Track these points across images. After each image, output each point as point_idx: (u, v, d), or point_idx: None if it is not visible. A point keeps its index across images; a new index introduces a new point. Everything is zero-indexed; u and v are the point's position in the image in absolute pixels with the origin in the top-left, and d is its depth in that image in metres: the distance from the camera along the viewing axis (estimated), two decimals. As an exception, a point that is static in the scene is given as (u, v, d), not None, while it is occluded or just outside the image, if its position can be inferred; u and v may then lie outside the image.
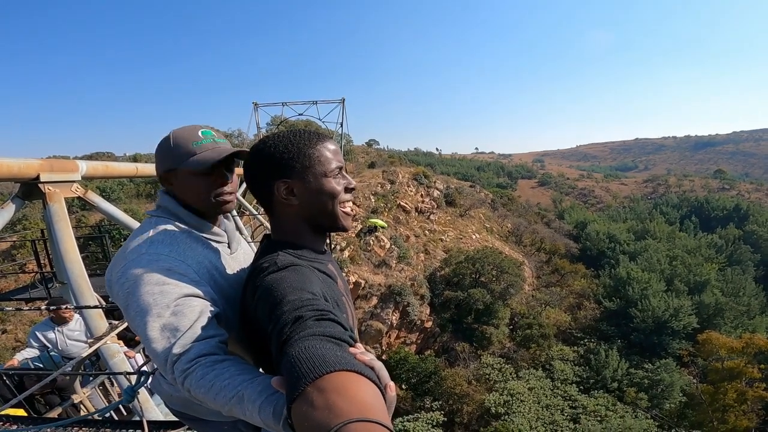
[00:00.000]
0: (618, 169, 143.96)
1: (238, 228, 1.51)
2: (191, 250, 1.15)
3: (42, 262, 6.55)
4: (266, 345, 0.85)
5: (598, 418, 16.81)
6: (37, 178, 3.43)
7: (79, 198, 3.88)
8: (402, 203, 30.62)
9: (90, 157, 46.57)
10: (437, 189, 36.50)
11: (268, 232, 1.24)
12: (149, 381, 2.23)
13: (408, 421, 16.47)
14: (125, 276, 1.04)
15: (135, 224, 4.65)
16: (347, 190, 1.13)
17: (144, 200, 32.55)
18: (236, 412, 0.83)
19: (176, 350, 0.93)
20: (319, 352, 0.67)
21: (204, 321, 0.98)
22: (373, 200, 29.40)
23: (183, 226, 1.21)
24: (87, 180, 4.17)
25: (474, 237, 29.84)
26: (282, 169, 1.06)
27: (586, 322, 24.17)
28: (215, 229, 1.28)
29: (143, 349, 4.66)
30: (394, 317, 19.20)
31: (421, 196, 34.08)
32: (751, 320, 25.69)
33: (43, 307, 4.79)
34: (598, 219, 44.10)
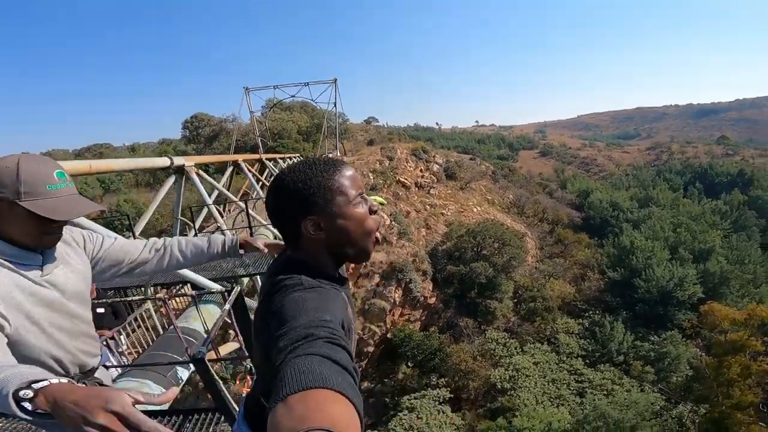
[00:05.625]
0: (620, 137, 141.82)
1: (75, 241, 1.49)
2: None
3: None
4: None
5: (605, 392, 16.70)
6: None
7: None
8: (401, 179, 30.07)
9: (88, 150, 45.88)
10: (437, 163, 35.86)
11: (278, 240, 1.30)
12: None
13: (415, 398, 16.43)
14: None
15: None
16: (371, 212, 1.15)
17: (144, 189, 32.03)
18: None
19: None
20: (318, 368, 0.69)
21: None
22: (371, 177, 28.80)
23: None
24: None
25: (475, 210, 29.40)
26: (306, 206, 1.08)
27: (591, 293, 23.96)
28: (27, 254, 1.29)
29: None
30: (396, 294, 18.91)
31: (421, 171, 33.48)
32: (757, 289, 25.25)
33: None
34: (601, 187, 43.51)
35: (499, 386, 16.77)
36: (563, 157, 65.96)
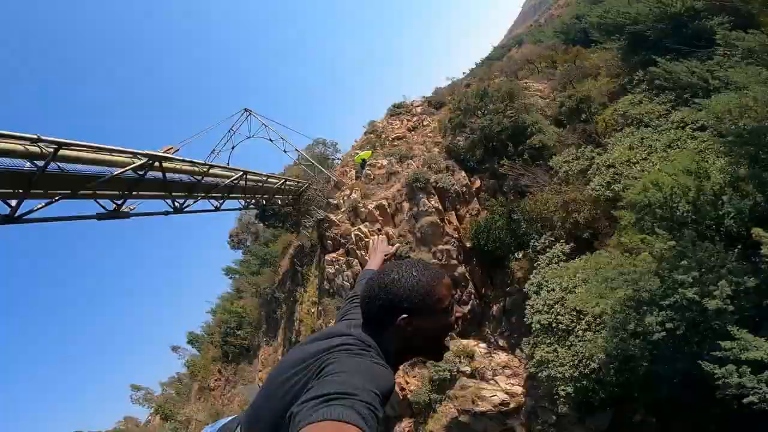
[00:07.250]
0: None
1: None
2: None
3: None
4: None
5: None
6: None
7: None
8: (394, 136, 28.53)
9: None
10: (417, 107, 34.01)
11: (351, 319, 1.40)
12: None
13: (536, 273, 13.62)
14: None
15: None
16: (457, 320, 1.34)
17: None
18: None
19: None
20: (356, 418, 0.81)
21: None
22: (360, 152, 27.43)
23: None
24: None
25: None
26: (408, 305, 1.21)
27: (631, 62, 19.28)
28: None
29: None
30: (433, 202, 16.58)
31: (407, 120, 31.68)
32: None
33: None
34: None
35: (611, 194, 12.93)
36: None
